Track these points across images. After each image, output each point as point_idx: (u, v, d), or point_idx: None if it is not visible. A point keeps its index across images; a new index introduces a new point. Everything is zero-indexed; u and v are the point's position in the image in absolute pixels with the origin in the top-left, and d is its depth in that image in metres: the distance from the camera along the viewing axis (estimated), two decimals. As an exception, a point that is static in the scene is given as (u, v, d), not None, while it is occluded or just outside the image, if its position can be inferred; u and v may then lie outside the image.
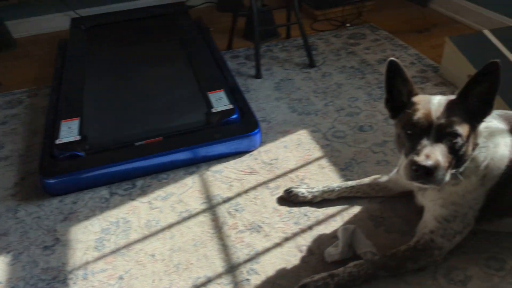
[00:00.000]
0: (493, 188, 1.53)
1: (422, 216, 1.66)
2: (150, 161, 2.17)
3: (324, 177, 2.08)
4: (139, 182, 2.14)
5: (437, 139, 1.40)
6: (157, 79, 2.78)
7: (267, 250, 1.75)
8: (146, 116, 2.44)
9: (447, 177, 1.40)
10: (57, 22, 3.84)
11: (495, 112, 1.63)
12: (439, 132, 1.40)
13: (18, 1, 3.66)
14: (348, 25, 3.57)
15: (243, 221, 1.88)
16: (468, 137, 1.43)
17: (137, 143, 2.24)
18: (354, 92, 2.71)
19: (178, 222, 1.90)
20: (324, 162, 2.18)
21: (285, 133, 2.41)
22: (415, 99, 1.53)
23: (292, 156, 2.23)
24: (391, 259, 1.57)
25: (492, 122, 1.57)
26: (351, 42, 3.32)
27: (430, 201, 1.62)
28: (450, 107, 1.44)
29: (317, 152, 2.25)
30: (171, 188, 2.09)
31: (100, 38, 3.37)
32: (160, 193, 2.07)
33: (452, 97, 1.50)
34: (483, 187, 1.53)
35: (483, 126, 1.52)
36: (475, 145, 1.49)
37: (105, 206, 2.02)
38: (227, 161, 2.23)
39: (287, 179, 2.09)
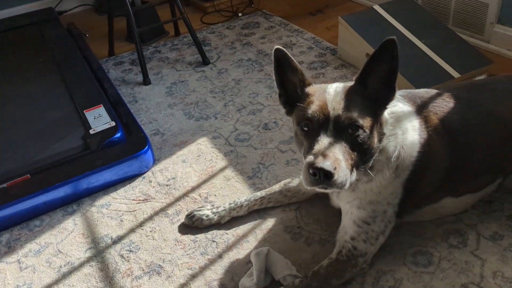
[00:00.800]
0: (409, 178, 1.37)
1: (340, 219, 1.47)
2: (16, 207, 1.74)
3: (231, 191, 1.82)
4: (4, 237, 1.70)
5: (337, 134, 1.20)
6: (22, 102, 2.31)
7: (172, 295, 1.44)
8: (8, 150, 1.99)
9: (353, 177, 1.21)
10: None
11: (398, 93, 1.48)
12: (338, 125, 1.20)
13: None
14: (240, 14, 3.33)
15: (140, 264, 1.55)
16: (371, 127, 1.25)
17: (-3, 187, 1.79)
18: (254, 87, 2.48)
19: (57, 281, 1.52)
20: (229, 172, 1.91)
21: (182, 144, 2.11)
22: (309, 90, 1.31)
23: (193, 171, 1.94)
24: (314, 279, 1.35)
25: (397, 105, 1.40)
26: (245, 32, 3.09)
27: (346, 203, 1.43)
28: (348, 96, 1.24)
29: (221, 162, 1.98)
30: (46, 237, 1.69)
31: None
32: (31, 246, 1.66)
33: (350, 83, 1.30)
34: (399, 179, 1.37)
35: (387, 112, 1.35)
36: (382, 135, 1.32)
37: (-42, 278, 1.57)
38: (115, 190, 1.88)
39: (189, 201, 1.79)
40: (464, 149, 1.41)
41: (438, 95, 1.47)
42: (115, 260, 1.57)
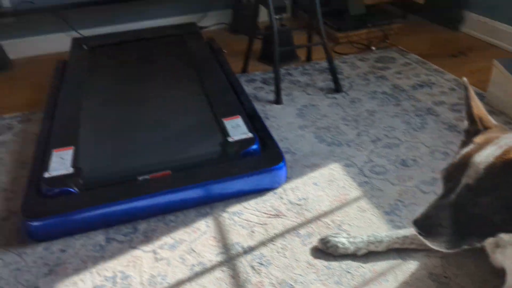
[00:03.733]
0: None
1: (503, 279, 1.29)
2: (155, 199, 1.82)
3: (366, 223, 1.72)
4: (142, 226, 1.78)
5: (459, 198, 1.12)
6: (166, 104, 2.46)
7: (304, 319, 1.37)
8: (152, 146, 2.10)
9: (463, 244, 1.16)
10: (58, 43, 3.56)
11: None
12: (462, 190, 1.11)
13: (16, 19, 3.40)
14: (373, 48, 3.28)
15: (271, 279, 1.51)
16: None
17: (141, 177, 1.89)
18: (389, 121, 2.38)
19: (189, 279, 1.53)
20: (364, 203, 1.82)
21: (313, 167, 2.06)
22: (476, 138, 1.22)
23: (325, 196, 1.88)
24: None
25: None
26: (379, 66, 3.02)
27: (516, 261, 1.25)
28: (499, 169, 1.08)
29: (355, 191, 1.89)
30: (180, 234, 1.72)
31: (104, 59, 3.07)
32: (167, 239, 1.70)
33: None
34: None
35: None
36: None
37: (100, 255, 1.65)
38: (247, 200, 1.88)
39: (321, 225, 1.72)
40: None
41: None
42: (246, 270, 1.54)
